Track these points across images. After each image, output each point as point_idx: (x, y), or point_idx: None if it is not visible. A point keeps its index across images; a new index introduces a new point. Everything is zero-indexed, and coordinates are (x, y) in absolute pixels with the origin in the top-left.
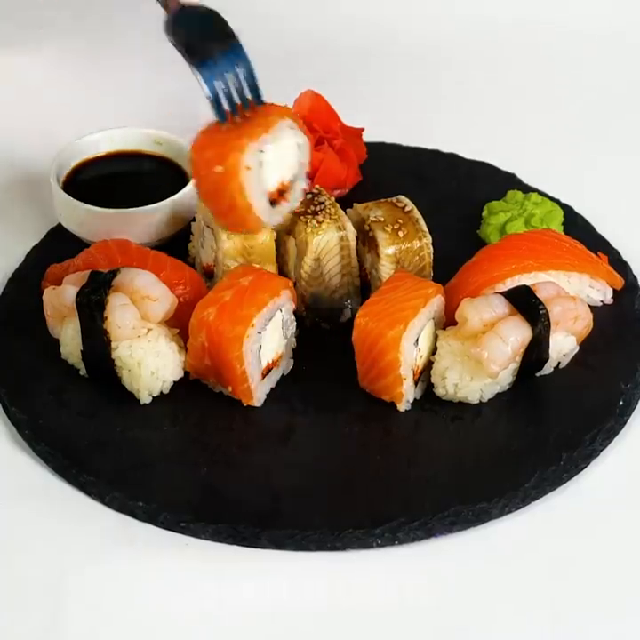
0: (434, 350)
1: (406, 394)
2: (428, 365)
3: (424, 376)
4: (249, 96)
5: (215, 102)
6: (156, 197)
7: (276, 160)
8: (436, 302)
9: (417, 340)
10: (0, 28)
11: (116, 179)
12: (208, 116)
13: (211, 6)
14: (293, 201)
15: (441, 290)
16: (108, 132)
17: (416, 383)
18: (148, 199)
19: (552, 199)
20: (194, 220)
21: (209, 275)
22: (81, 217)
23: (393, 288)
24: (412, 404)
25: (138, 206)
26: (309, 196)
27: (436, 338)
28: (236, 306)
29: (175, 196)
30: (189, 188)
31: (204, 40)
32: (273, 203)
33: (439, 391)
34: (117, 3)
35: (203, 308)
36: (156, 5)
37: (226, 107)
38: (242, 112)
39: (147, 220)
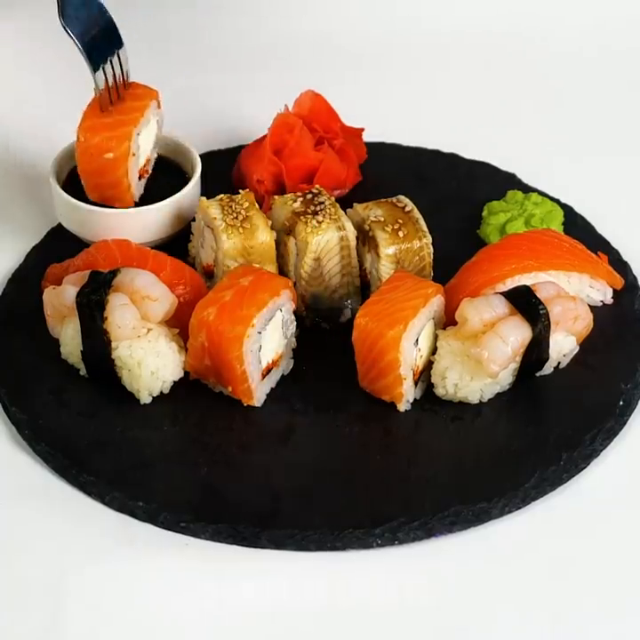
0: (434, 350)
1: (406, 394)
2: (428, 365)
3: (424, 376)
4: (121, 75)
5: (97, 81)
6: (156, 197)
7: (145, 138)
8: (436, 302)
9: (417, 339)
10: (1, 29)
11: None
12: (209, 114)
13: (209, 12)
14: (150, 170)
15: (441, 290)
16: None
17: (416, 383)
18: (148, 199)
19: (552, 199)
20: (194, 219)
21: (209, 275)
22: (81, 217)
23: (393, 288)
24: (411, 404)
25: (138, 206)
26: (309, 195)
27: (435, 338)
28: (236, 306)
29: (175, 196)
30: (190, 188)
31: (89, 23)
32: (140, 177)
33: (439, 391)
34: (119, 3)
35: (203, 307)
36: (158, 10)
37: (103, 83)
38: (115, 91)
39: (147, 220)
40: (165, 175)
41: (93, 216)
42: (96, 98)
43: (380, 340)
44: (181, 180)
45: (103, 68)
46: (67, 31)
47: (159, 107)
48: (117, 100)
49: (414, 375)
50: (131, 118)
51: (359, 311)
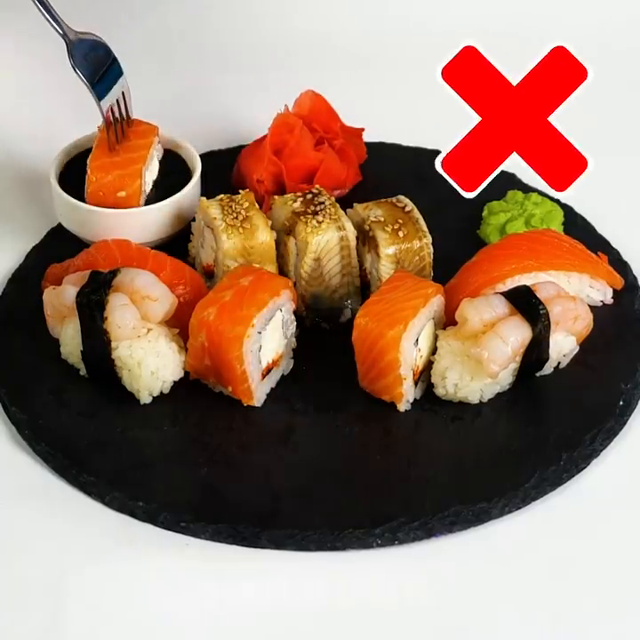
0: (434, 350)
1: (406, 394)
2: (429, 365)
3: (424, 376)
4: (124, 112)
5: (106, 124)
6: (159, 196)
7: (149, 175)
8: (436, 302)
9: (417, 339)
10: (1, 29)
11: None
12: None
13: (210, 12)
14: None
15: (441, 290)
16: None
17: (416, 383)
18: (148, 198)
19: (552, 199)
20: (194, 220)
21: (209, 275)
22: (81, 217)
23: (393, 288)
24: (411, 403)
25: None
26: (309, 195)
27: (436, 338)
28: (236, 306)
29: (175, 196)
30: (190, 188)
31: (97, 65)
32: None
33: (439, 391)
34: (116, 4)
35: (203, 308)
36: (158, 9)
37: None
38: (120, 129)
39: (147, 220)
40: (167, 173)
41: (93, 216)
42: (102, 137)
43: (380, 339)
44: (183, 179)
45: (111, 109)
46: (77, 74)
47: (159, 142)
48: (122, 138)
49: (414, 375)
50: (139, 156)
51: (359, 311)
